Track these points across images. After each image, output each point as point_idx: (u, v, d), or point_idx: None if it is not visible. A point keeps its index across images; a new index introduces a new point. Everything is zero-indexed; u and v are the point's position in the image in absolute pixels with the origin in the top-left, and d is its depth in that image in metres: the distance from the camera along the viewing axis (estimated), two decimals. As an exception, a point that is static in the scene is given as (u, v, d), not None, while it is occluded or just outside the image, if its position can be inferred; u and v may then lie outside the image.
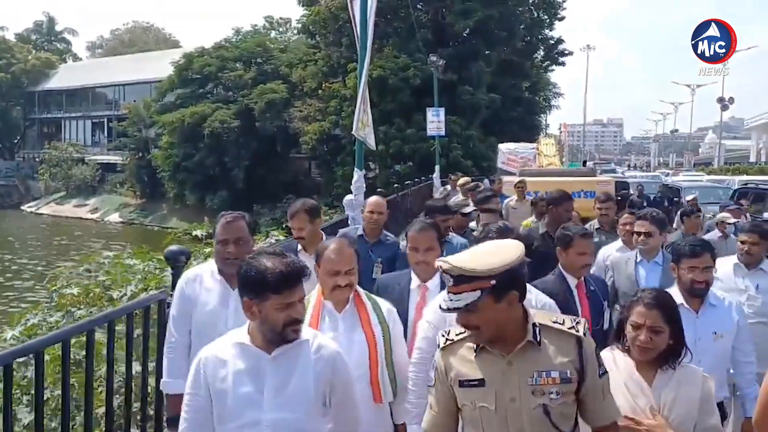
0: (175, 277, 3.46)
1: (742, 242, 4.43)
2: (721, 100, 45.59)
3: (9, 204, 54.94)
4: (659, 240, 4.46)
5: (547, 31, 37.79)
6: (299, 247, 4.13)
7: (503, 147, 20.45)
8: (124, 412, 3.31)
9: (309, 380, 2.26)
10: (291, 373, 2.25)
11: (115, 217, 46.43)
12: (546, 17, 36.81)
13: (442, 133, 22.42)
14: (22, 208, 53.68)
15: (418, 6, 32.08)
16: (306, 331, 2.34)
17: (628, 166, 69.35)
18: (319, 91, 33.43)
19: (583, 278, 3.70)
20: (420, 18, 31.21)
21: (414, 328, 3.15)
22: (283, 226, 8.43)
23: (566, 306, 3.46)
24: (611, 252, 4.98)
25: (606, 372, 2.19)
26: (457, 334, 2.18)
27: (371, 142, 7.10)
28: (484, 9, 30.34)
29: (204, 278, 3.10)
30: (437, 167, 21.19)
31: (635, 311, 2.51)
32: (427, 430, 2.30)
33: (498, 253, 2.07)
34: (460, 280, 2.01)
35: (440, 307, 2.14)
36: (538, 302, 2.93)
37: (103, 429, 3.15)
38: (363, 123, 6.66)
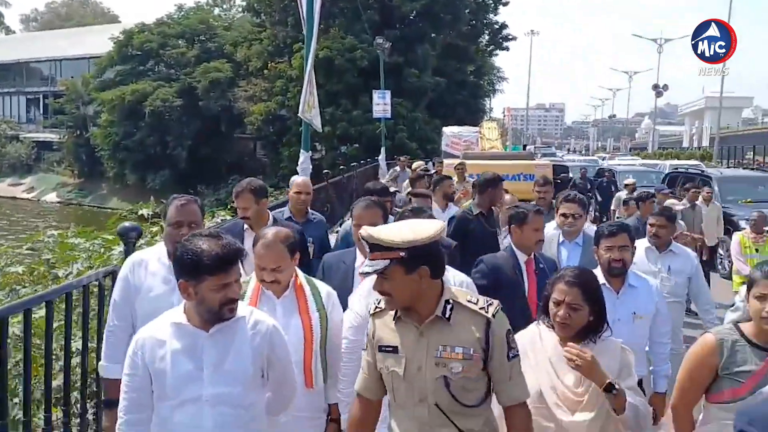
0: (127, 253, 3.54)
1: (651, 225, 4.69)
2: (655, 87, 47.22)
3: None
4: (583, 222, 4.59)
5: (491, 15, 38.37)
6: (245, 226, 4.09)
7: (447, 130, 20.83)
8: (64, 390, 3.36)
9: (246, 355, 2.32)
10: (228, 349, 2.30)
11: (52, 197, 45.00)
12: (491, 2, 37.32)
13: (389, 115, 22.66)
14: (-48, 186, 51.45)
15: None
16: (242, 308, 2.39)
17: (567, 150, 71.09)
18: (265, 71, 33.11)
19: (533, 255, 3.75)
20: (367, -1, 31.24)
21: None
22: (229, 206, 8.52)
23: (514, 282, 3.57)
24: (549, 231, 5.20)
25: (517, 355, 2.26)
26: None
27: (317, 123, 7.25)
28: (430, -8, 30.62)
29: (149, 263, 3.04)
30: (383, 149, 21.44)
31: (557, 288, 2.58)
32: (358, 391, 2.39)
33: (414, 230, 2.19)
34: (374, 248, 2.16)
35: (359, 272, 2.30)
36: (455, 280, 2.97)
37: (44, 408, 3.18)
38: (309, 105, 6.81)
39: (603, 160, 32.32)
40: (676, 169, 16.49)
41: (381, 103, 21.67)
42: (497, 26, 39.00)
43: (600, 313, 2.59)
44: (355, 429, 2.42)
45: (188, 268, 2.23)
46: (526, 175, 13.03)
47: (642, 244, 4.55)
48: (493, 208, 5.31)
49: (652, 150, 48.89)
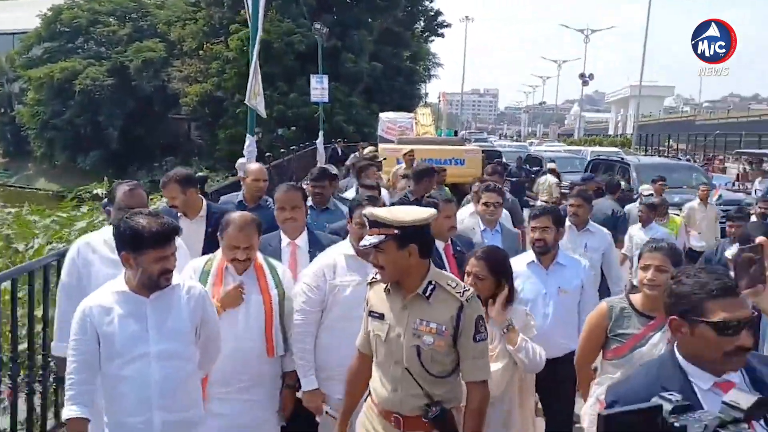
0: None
1: (570, 206, 5.20)
2: (582, 76, 49.22)
3: None
4: (501, 211, 4.95)
5: (426, 2, 39.07)
6: (179, 214, 4.14)
7: (383, 116, 21.47)
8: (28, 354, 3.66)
9: (184, 316, 2.62)
10: (168, 311, 2.59)
11: (-26, 177, 43.26)
12: (426, -11, 38.00)
13: (326, 99, 23.08)
14: None
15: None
16: (176, 277, 2.67)
17: (500, 135, 72.98)
18: (200, 52, 32.73)
19: (450, 240, 4.03)
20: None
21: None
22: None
23: (437, 266, 4.00)
24: (465, 215, 5.24)
25: (484, 339, 2.56)
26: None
27: (261, 110, 7.76)
28: (366, -23, 31.03)
29: (96, 246, 3.18)
30: (321, 133, 21.85)
31: (469, 262, 3.14)
32: (358, 347, 2.77)
33: (409, 213, 2.55)
34: (373, 224, 2.50)
35: (360, 246, 2.74)
36: None
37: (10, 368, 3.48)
38: (255, 92, 7.31)
39: (531, 145, 33.71)
40: (598, 156, 17.09)
41: (319, 88, 22.08)
42: (432, 13, 39.76)
43: (510, 283, 3.12)
44: (352, 377, 2.79)
45: (130, 241, 2.49)
46: (457, 160, 13.93)
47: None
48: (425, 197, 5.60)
49: (578, 136, 50.98)
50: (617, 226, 6.52)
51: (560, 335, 3.63)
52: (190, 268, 3.18)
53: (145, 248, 2.47)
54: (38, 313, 3.74)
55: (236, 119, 31.98)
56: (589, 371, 3.11)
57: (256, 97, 7.31)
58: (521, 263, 3.76)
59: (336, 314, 3.13)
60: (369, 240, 2.49)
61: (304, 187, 4.57)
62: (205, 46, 32.39)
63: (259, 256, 3.19)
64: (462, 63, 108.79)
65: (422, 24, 40.26)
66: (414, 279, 2.52)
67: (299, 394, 3.21)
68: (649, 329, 2.82)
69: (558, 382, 3.53)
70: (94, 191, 6.43)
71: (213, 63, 31.92)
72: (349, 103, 30.58)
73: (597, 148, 27.37)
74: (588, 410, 2.98)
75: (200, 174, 6.72)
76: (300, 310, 3.14)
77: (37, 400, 3.75)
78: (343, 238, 3.46)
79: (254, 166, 5.29)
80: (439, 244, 3.90)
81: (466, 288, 2.59)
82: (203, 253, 3.67)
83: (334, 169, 7.95)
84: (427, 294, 2.51)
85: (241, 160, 7.56)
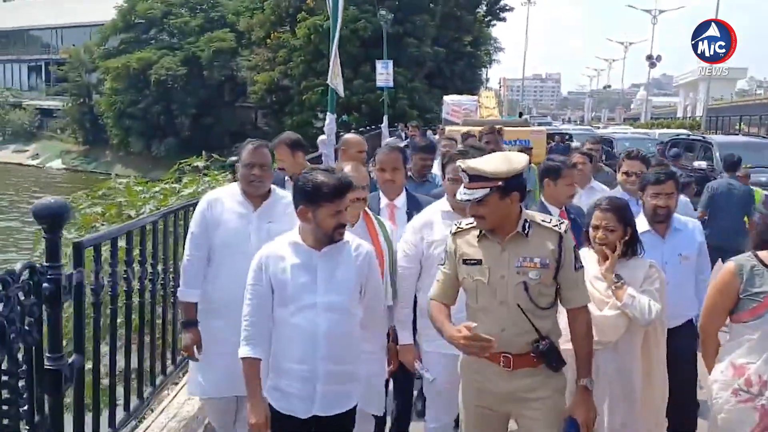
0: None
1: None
2: (649, 57, 48.10)
3: (-60, 149, 53.13)
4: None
5: (488, -14, 39.00)
6: (286, 177, 4.26)
7: (448, 99, 21.82)
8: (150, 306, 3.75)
9: (351, 271, 2.69)
10: (337, 266, 2.67)
11: (57, 164, 45.72)
12: (489, -27, 37.94)
13: (391, 84, 23.62)
14: (-45, 153, 52.07)
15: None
16: (346, 235, 2.74)
17: (563, 120, 71.89)
18: (268, 41, 33.81)
19: (564, 207, 3.96)
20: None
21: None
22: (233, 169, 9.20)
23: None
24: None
25: (582, 267, 2.66)
26: (467, 224, 2.70)
27: (340, 90, 8.34)
28: (429, -38, 31.34)
29: (224, 200, 3.29)
30: (385, 117, 22.41)
31: (594, 215, 3.09)
32: (432, 297, 2.76)
33: (506, 161, 2.58)
34: (475, 178, 2.52)
35: (457, 196, 2.65)
36: None
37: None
38: (335, 74, 7.88)
39: (597, 129, 33.39)
40: (678, 135, 16.64)
41: (384, 73, 22.61)
42: (494, -3, 39.67)
43: (633, 232, 3.10)
44: (436, 310, 2.71)
45: (308, 195, 2.58)
46: (522, 141, 14.21)
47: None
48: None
49: (645, 120, 49.87)
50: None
51: (681, 304, 3.49)
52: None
53: (322, 201, 2.55)
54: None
55: (302, 106, 32.96)
56: (716, 339, 2.90)
57: (336, 78, 7.86)
58: None
59: (436, 269, 3.14)
60: (472, 194, 2.52)
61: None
62: (272, 35, 33.43)
63: (370, 213, 3.30)
64: (523, 47, 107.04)
65: (484, 8, 40.17)
66: (512, 222, 2.58)
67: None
68: None
69: (678, 353, 3.37)
70: (194, 164, 7.12)
71: (280, 51, 32.92)
72: (412, 88, 31.05)
73: (665, 130, 27.00)
74: (719, 377, 2.77)
75: (232, 158, 7.33)
76: (401, 267, 3.22)
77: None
78: None
79: (349, 136, 5.24)
80: (554, 211, 3.87)
81: (561, 220, 2.67)
82: None
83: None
84: (525, 232, 2.58)
85: (321, 137, 8.16)
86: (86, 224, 6.85)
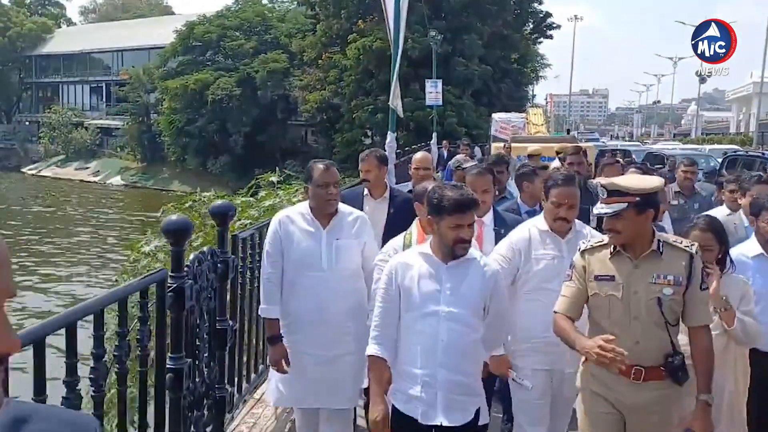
0: (222, 234, 3.70)
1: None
2: (698, 73, 47.49)
3: (8, 167, 55.75)
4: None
5: (536, 4, 39.43)
6: (365, 191, 4.40)
7: (496, 116, 22.36)
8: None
9: (476, 286, 2.75)
10: (462, 279, 2.74)
11: (117, 180, 47.78)
12: (535, -9, 38.44)
13: (440, 102, 24.23)
14: (22, 170, 54.63)
15: (415, -19, 33.58)
16: (475, 252, 2.85)
17: (611, 136, 71.38)
18: (319, 61, 34.93)
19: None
20: (417, -8, 32.74)
21: None
22: (291, 184, 9.52)
23: None
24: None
25: (707, 288, 2.74)
26: (596, 242, 2.83)
27: (400, 111, 9.01)
28: (477, -16, 32.04)
29: (295, 219, 3.38)
30: (435, 134, 23.02)
31: (692, 235, 3.14)
32: (558, 311, 2.85)
33: (641, 179, 2.79)
34: (613, 194, 2.65)
35: (594, 211, 2.83)
36: (591, 236, 3.25)
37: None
38: (396, 95, 8.56)
39: (644, 144, 33.39)
40: (735, 152, 16.57)
41: (433, 92, 23.22)
42: (541, 15, 40.06)
43: (726, 251, 3.20)
44: (564, 323, 2.81)
45: (433, 207, 2.70)
46: (570, 157, 14.66)
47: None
48: None
49: (695, 136, 49.26)
50: None
51: None
52: (391, 247, 3.34)
53: (444, 214, 2.66)
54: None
55: (352, 124, 33.88)
56: None
57: (396, 100, 8.54)
58: (744, 254, 3.57)
59: (533, 285, 3.26)
60: (610, 208, 2.65)
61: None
62: (323, 55, 34.52)
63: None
64: (570, 63, 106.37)
65: (531, 26, 40.61)
66: (645, 240, 2.68)
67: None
68: None
69: None
70: (270, 179, 7.85)
71: (331, 71, 33.95)
72: (460, 105, 31.63)
73: (716, 146, 26.92)
74: None
75: None
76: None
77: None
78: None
79: (418, 154, 5.42)
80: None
81: (691, 243, 2.77)
82: (384, 232, 4.01)
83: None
84: (660, 250, 2.68)
85: (414, 156, 8.77)
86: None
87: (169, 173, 45.47)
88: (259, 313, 3.49)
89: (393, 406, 2.77)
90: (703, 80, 48.75)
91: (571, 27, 69.19)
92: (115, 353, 2.22)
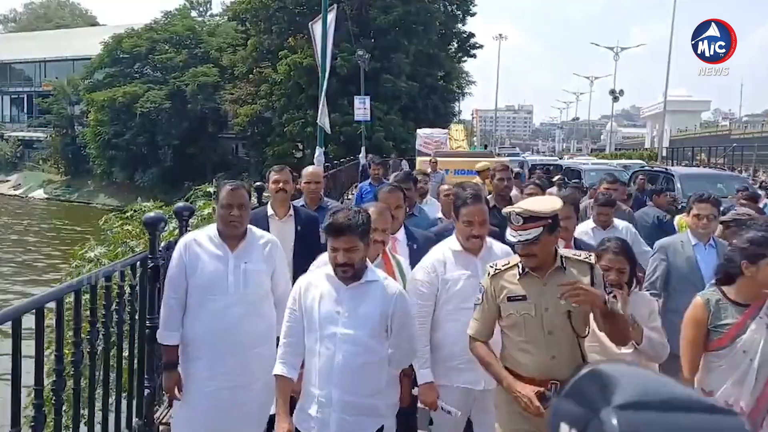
0: (181, 227, 4.20)
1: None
2: (612, 92, 50.76)
3: None
4: (717, 224, 4.55)
5: (460, 25, 41.25)
6: (269, 212, 4.41)
7: (420, 132, 23.59)
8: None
9: (375, 308, 2.73)
10: (362, 301, 2.73)
11: (39, 194, 46.54)
12: (459, 13, 40.24)
13: (368, 118, 25.22)
14: (-64, 184, 52.47)
15: (343, 1, 34.65)
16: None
17: (532, 151, 74.49)
18: (250, 76, 35.46)
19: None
20: (345, 11, 33.79)
21: (387, 272, 3.55)
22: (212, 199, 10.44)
23: None
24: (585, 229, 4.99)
25: (611, 292, 2.89)
26: (503, 266, 2.89)
27: (327, 128, 9.89)
28: (402, 5, 33.48)
29: (202, 242, 3.27)
30: (363, 149, 24.00)
31: (606, 258, 3.16)
32: (473, 335, 2.94)
33: (549, 202, 2.86)
34: (529, 219, 2.70)
35: (507, 241, 2.92)
36: (502, 252, 3.35)
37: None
38: (324, 114, 9.45)
39: (561, 159, 35.45)
40: (642, 167, 17.30)
41: (362, 108, 24.20)
42: (465, 35, 41.91)
43: (633, 271, 3.23)
44: (488, 356, 2.90)
45: (323, 229, 2.78)
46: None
47: (587, 224, 5.14)
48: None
49: (609, 151, 52.28)
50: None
51: None
52: (322, 261, 3.19)
53: (325, 234, 2.73)
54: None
55: (283, 137, 34.53)
56: (697, 368, 3.04)
57: (324, 118, 9.43)
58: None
59: (452, 306, 3.28)
60: (528, 234, 2.70)
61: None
62: (254, 70, 35.07)
63: (387, 251, 3.38)
64: (496, 80, 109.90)
65: (456, 45, 42.39)
66: (551, 258, 2.79)
67: (415, 391, 3.30)
68: (746, 317, 2.90)
69: None
70: (207, 189, 8.49)
71: (262, 86, 34.57)
72: (388, 121, 32.84)
73: (623, 161, 29.00)
74: None
75: (258, 183, 8.61)
76: (417, 305, 3.24)
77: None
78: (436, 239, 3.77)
79: (308, 168, 5.46)
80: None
81: (588, 254, 2.91)
82: (294, 251, 4.12)
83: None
84: (564, 265, 2.79)
85: (309, 168, 9.64)
86: (117, 241, 8.25)
87: (95, 186, 44.75)
88: (158, 338, 3.32)
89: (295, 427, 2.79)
90: (616, 99, 52.01)
91: (497, 45, 71.81)
92: (113, 316, 3.01)
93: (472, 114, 73.28)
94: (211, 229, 3.29)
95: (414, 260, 3.50)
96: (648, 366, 3.07)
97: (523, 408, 2.70)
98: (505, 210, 2.83)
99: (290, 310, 2.81)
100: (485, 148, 25.15)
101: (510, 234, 2.78)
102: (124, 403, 3.59)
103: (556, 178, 10.61)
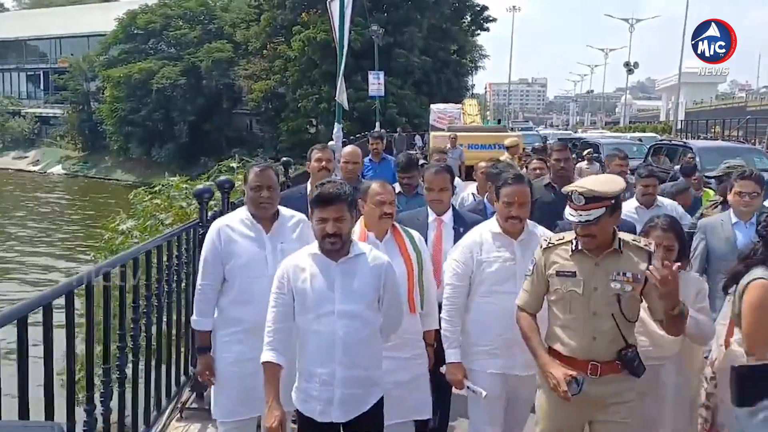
0: (201, 209, 4.18)
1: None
2: (626, 64, 50.36)
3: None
4: (759, 202, 4.35)
5: (473, -2, 41.16)
6: (308, 190, 4.29)
7: (434, 107, 23.81)
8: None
9: (367, 281, 2.76)
10: (354, 276, 2.75)
11: (57, 170, 47.25)
12: (472, -15, 40.12)
13: (382, 93, 25.41)
14: (-44, 160, 53.32)
15: (357, -26, 34.59)
16: (364, 246, 2.86)
17: (545, 124, 74.17)
18: (264, 51, 35.65)
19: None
20: (358, -15, 33.81)
21: (434, 254, 3.62)
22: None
23: None
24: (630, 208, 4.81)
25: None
26: (557, 240, 2.87)
27: (345, 104, 10.15)
28: (415, -22, 33.42)
29: (235, 226, 3.25)
30: (378, 124, 24.24)
31: (654, 235, 3.10)
32: (520, 305, 2.95)
33: (612, 182, 2.78)
34: (592, 200, 2.65)
35: (569, 219, 2.76)
36: (545, 235, 3.18)
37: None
38: (341, 90, 9.71)
39: (575, 133, 35.54)
40: (661, 141, 17.17)
41: (376, 83, 24.35)
42: (478, 8, 41.75)
43: (685, 250, 3.22)
44: (530, 330, 2.90)
45: (309, 203, 2.81)
46: (500, 145, 16.17)
47: (631, 203, 4.87)
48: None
49: (624, 124, 52.05)
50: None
51: None
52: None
53: (313, 206, 2.73)
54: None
55: (297, 113, 34.81)
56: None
57: (341, 95, 9.69)
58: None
59: (486, 288, 3.24)
60: (589, 215, 2.68)
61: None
62: (268, 45, 35.25)
63: (397, 225, 3.35)
64: (509, 52, 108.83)
65: (469, 19, 42.25)
66: (608, 239, 2.76)
67: (443, 369, 3.32)
68: None
69: None
70: (229, 164, 8.88)
71: (276, 61, 34.78)
72: (401, 96, 33.02)
73: (637, 134, 29.06)
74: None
75: (285, 159, 8.91)
76: (450, 285, 3.28)
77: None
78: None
79: (348, 147, 5.56)
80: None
81: (648, 241, 2.85)
82: None
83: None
84: (621, 248, 2.75)
85: (330, 144, 9.91)
86: (146, 214, 8.67)
87: (112, 162, 45.31)
88: (192, 325, 3.37)
89: (297, 409, 2.81)
90: (630, 71, 51.60)
91: (510, 17, 71.03)
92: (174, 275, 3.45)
93: (486, 88, 72.93)
94: (242, 212, 3.28)
95: None
96: (691, 347, 3.16)
97: (552, 388, 2.73)
98: (566, 188, 2.80)
99: (277, 294, 2.78)
100: (498, 123, 25.29)
101: (569, 213, 2.73)
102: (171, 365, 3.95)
103: (586, 152, 10.56)
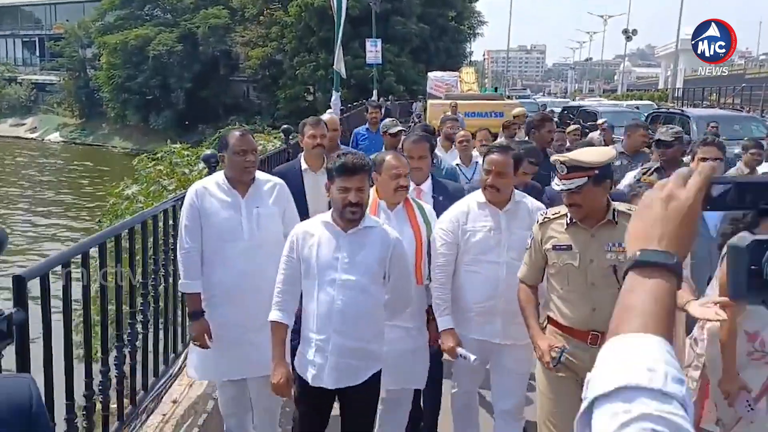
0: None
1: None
2: (625, 31, 50.15)
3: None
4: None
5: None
6: (303, 165, 4.31)
7: (431, 75, 23.84)
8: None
9: (374, 254, 2.79)
10: (360, 247, 2.78)
11: (55, 137, 47.07)
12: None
13: (380, 61, 25.44)
14: (-47, 127, 53.12)
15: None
16: (375, 220, 2.90)
17: (543, 92, 73.91)
18: (261, 18, 35.44)
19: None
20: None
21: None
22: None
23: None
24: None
25: None
26: (552, 214, 2.90)
27: (343, 72, 10.36)
28: (413, -57, 33.09)
29: (212, 189, 3.27)
30: (375, 92, 24.31)
31: (636, 202, 2.99)
32: (522, 279, 2.99)
33: (598, 152, 2.82)
34: (573, 169, 2.68)
35: (554, 187, 2.83)
36: (533, 207, 3.29)
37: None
38: (339, 59, 9.91)
39: (573, 100, 35.58)
40: (658, 109, 17.43)
41: (373, 50, 24.38)
42: (477, -27, 41.38)
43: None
44: (526, 302, 2.98)
45: (329, 171, 2.82)
46: (497, 113, 16.32)
47: None
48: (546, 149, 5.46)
49: (621, 92, 51.92)
50: None
51: None
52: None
53: (333, 176, 2.75)
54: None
55: (294, 80, 34.76)
56: None
57: (340, 63, 9.89)
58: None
59: (470, 257, 3.26)
60: (570, 184, 2.71)
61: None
62: (265, 12, 35.02)
63: (409, 197, 3.37)
64: (508, 19, 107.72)
65: (467, -16, 41.87)
66: (602, 210, 2.77)
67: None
68: None
69: None
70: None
71: (273, 28, 34.62)
72: (399, 63, 32.95)
73: (634, 102, 29.13)
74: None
75: (285, 126, 9.11)
76: (441, 253, 3.29)
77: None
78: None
79: (324, 116, 5.61)
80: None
81: None
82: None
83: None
84: (615, 219, 2.76)
85: (329, 111, 10.15)
86: (149, 180, 8.89)
87: (109, 129, 45.14)
88: (179, 288, 3.39)
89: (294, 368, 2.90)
90: (629, 38, 51.36)
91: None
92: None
93: (484, 55, 72.41)
94: (218, 176, 3.30)
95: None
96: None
97: (537, 357, 2.86)
98: (553, 158, 2.87)
99: (287, 258, 2.84)
100: (495, 91, 25.36)
101: (554, 182, 2.81)
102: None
103: (600, 121, 10.42)
